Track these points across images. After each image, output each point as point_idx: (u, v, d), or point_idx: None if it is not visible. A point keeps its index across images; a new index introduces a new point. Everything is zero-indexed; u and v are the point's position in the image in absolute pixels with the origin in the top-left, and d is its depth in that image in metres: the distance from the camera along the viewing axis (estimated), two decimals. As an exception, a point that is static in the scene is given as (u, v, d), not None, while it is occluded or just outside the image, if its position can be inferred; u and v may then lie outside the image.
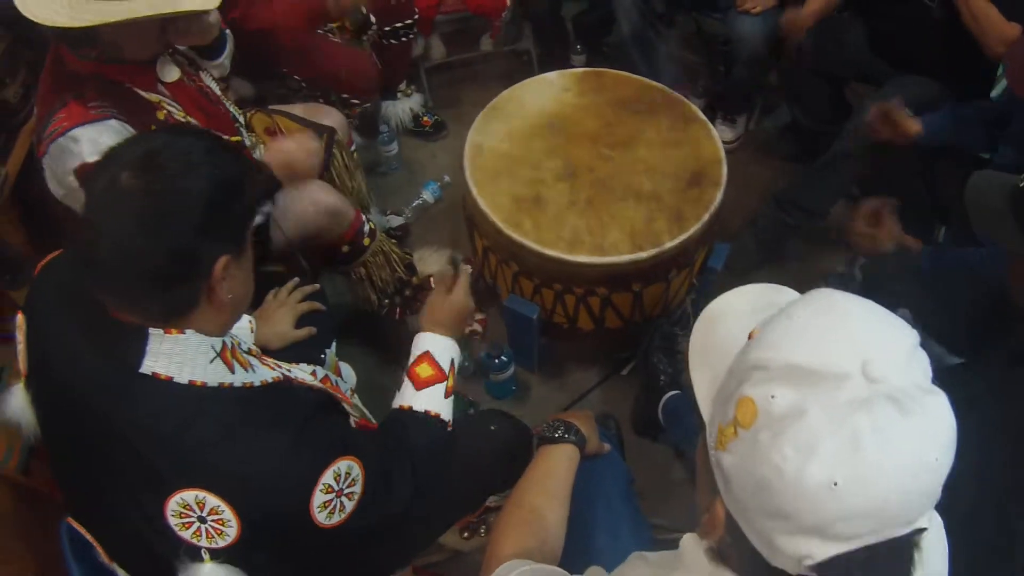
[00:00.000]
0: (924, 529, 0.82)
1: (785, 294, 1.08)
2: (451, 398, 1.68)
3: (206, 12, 1.96)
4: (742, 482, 0.84)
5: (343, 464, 1.31)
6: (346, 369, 2.25)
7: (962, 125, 2.47)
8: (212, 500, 1.19)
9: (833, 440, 0.77)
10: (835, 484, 0.76)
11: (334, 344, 2.10)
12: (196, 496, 1.19)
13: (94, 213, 1.18)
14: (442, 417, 1.64)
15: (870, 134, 2.60)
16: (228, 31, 2.33)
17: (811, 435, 0.78)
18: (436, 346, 1.70)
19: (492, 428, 1.90)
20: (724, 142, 3.49)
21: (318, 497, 1.27)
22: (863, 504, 0.77)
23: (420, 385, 1.65)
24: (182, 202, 1.17)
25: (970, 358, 1.93)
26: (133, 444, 1.20)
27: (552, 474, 1.51)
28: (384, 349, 2.80)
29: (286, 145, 2.24)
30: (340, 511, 1.33)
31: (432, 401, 1.64)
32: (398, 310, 2.69)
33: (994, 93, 2.86)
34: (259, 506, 1.23)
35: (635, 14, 3.35)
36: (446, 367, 1.68)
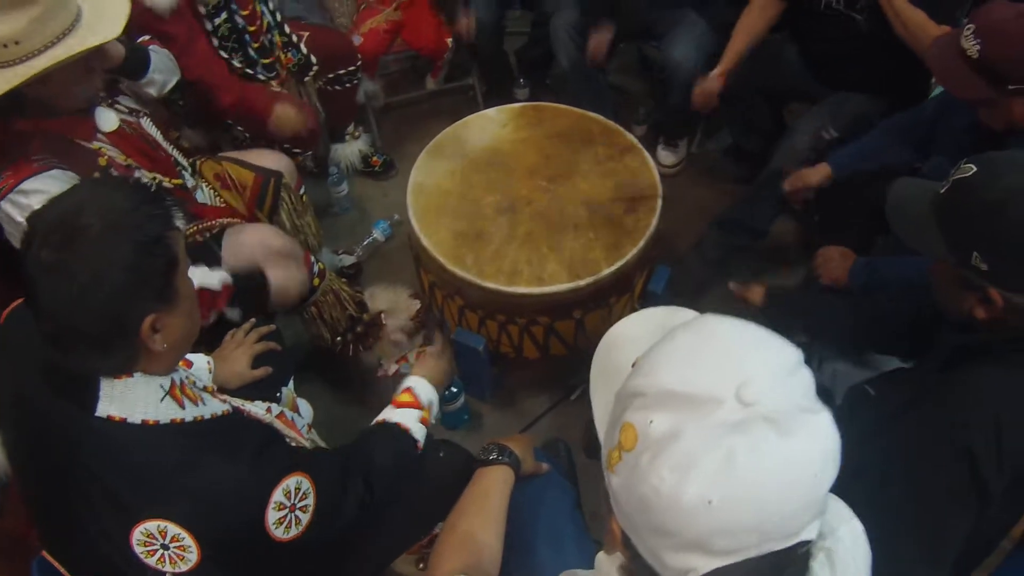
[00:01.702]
0: (809, 542, 0.86)
1: (681, 316, 1.13)
2: (424, 426, 1.80)
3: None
4: (628, 502, 0.88)
5: (292, 481, 1.40)
6: (303, 405, 2.32)
7: (879, 149, 2.57)
8: (172, 528, 1.27)
9: (708, 461, 0.80)
10: (710, 502, 0.79)
11: (291, 382, 2.18)
12: (158, 526, 1.27)
13: (30, 287, 1.24)
14: (411, 433, 1.75)
15: (790, 201, 2.77)
16: (156, 48, 2.41)
17: (686, 457, 0.81)
18: (419, 385, 1.85)
19: (440, 455, 1.97)
20: (666, 166, 3.64)
21: (272, 514, 1.36)
22: (740, 520, 0.81)
23: (398, 406, 1.80)
24: (102, 273, 1.22)
25: (914, 363, 2.00)
26: (97, 480, 1.29)
27: (487, 494, 1.60)
28: (340, 385, 2.86)
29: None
30: (296, 524, 1.41)
31: (405, 418, 1.77)
32: (351, 347, 2.75)
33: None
34: (216, 529, 1.31)
35: (572, 47, 3.42)
36: (424, 402, 1.83)
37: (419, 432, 1.77)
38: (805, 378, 0.88)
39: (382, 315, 2.81)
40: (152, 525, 1.27)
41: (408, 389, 1.85)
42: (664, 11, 3.40)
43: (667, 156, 3.72)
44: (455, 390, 2.64)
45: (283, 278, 2.40)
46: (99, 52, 2.03)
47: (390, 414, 1.78)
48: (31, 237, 1.25)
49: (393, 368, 2.85)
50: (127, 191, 1.33)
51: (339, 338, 2.72)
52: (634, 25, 3.49)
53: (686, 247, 3.28)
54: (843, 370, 2.26)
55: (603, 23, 3.33)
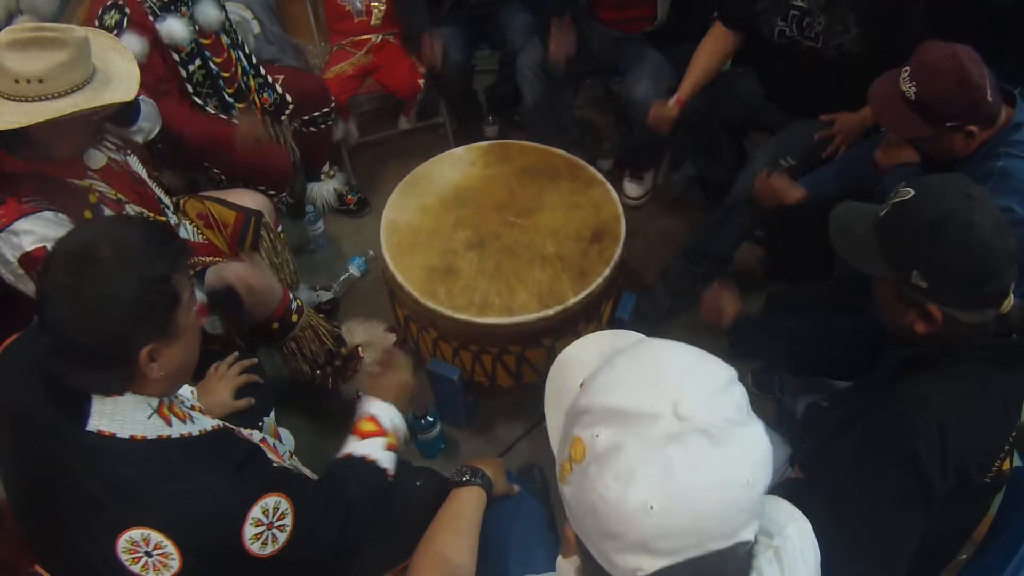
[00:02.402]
0: (749, 542, 0.94)
1: (625, 339, 1.22)
2: (391, 453, 1.84)
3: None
4: (579, 508, 0.96)
5: (271, 500, 1.47)
6: (285, 434, 2.41)
7: (849, 171, 2.67)
8: (156, 536, 1.36)
9: (648, 469, 0.87)
10: (651, 507, 0.86)
11: (272, 412, 2.27)
12: (142, 533, 1.35)
13: (41, 304, 1.37)
14: (379, 464, 1.79)
15: (757, 201, 2.81)
16: (144, 98, 2.51)
17: (629, 466, 0.88)
18: (379, 410, 1.89)
19: (418, 483, 2.04)
20: (633, 198, 3.75)
21: (249, 529, 1.43)
22: (679, 523, 0.87)
23: (362, 437, 1.83)
24: (110, 301, 1.34)
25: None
26: (86, 490, 1.37)
27: (461, 514, 1.69)
28: (319, 416, 2.94)
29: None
30: (273, 542, 1.48)
31: (371, 449, 1.80)
32: (330, 379, 2.82)
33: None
34: (195, 539, 1.39)
35: (537, 85, 3.54)
36: (387, 427, 1.86)
37: (387, 460, 1.81)
38: (736, 394, 0.97)
39: (359, 348, 2.88)
40: (136, 533, 1.35)
41: (370, 417, 1.87)
42: (626, 48, 3.51)
43: (633, 188, 3.83)
44: (431, 419, 2.73)
45: (256, 291, 2.49)
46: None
47: (355, 447, 1.81)
48: (50, 261, 1.38)
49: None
50: (142, 231, 1.45)
51: (318, 371, 2.78)
52: (597, 62, 3.61)
53: (653, 275, 3.39)
54: (805, 396, 2.37)
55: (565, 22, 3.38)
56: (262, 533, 1.45)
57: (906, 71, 2.07)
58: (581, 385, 1.03)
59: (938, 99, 2.02)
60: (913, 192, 1.58)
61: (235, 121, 3.08)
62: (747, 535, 0.93)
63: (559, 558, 1.17)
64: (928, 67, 2.03)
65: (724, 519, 0.90)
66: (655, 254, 3.54)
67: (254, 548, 1.45)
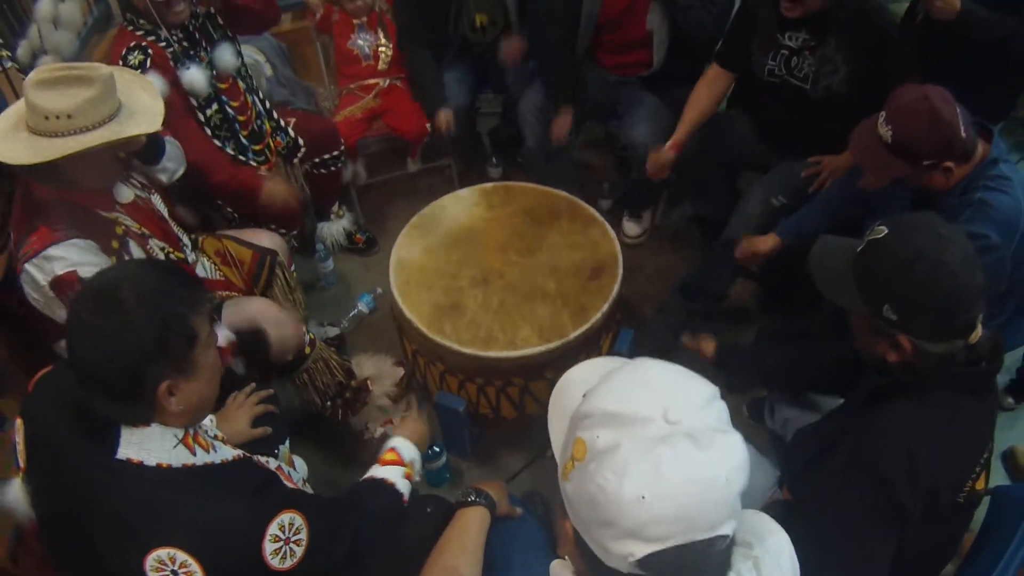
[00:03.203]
0: (728, 536, 1.07)
1: (620, 362, 1.35)
2: (408, 481, 1.97)
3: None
4: (579, 501, 1.10)
5: (286, 516, 1.58)
6: (299, 461, 2.52)
7: (823, 216, 2.78)
8: (181, 555, 1.46)
9: (641, 465, 1.01)
10: (643, 497, 1.00)
11: (287, 441, 2.39)
12: (168, 553, 1.46)
13: (69, 336, 1.50)
14: (397, 487, 1.93)
15: (743, 265, 2.97)
16: (170, 139, 2.62)
17: (624, 462, 1.02)
18: (402, 445, 2.03)
19: (428, 510, 2.15)
20: (632, 237, 3.87)
21: (268, 545, 1.54)
22: (667, 512, 1.00)
23: (383, 463, 1.97)
24: (127, 340, 1.46)
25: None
26: (116, 513, 1.48)
27: (466, 532, 1.81)
28: (330, 446, 3.04)
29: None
30: (291, 556, 1.59)
31: (390, 474, 1.94)
32: (340, 411, 2.94)
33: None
34: (218, 557, 1.50)
35: (537, 128, 3.69)
36: (407, 459, 2.01)
37: (404, 486, 1.95)
38: (720, 408, 1.11)
39: (368, 381, 3.00)
40: (163, 552, 1.46)
41: (392, 449, 2.02)
42: (623, 92, 3.66)
43: (632, 227, 3.96)
44: (437, 449, 2.84)
45: (281, 336, 2.62)
46: (129, 139, 2.22)
47: (376, 471, 1.96)
48: (77, 298, 1.51)
49: (379, 431, 3.01)
50: (163, 274, 1.57)
51: (329, 403, 2.90)
52: (597, 106, 3.76)
53: (651, 311, 3.49)
54: (793, 416, 2.47)
55: (564, 107, 3.60)
56: (281, 548, 1.56)
57: (882, 116, 2.20)
58: (584, 396, 1.17)
59: (913, 140, 2.14)
60: (887, 230, 1.70)
61: (261, 173, 3.21)
62: (726, 530, 1.06)
63: (554, 562, 1.31)
64: (902, 110, 2.16)
65: (705, 512, 1.03)
66: (653, 290, 3.66)
67: (274, 562, 1.56)
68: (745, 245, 2.93)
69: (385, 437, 2.15)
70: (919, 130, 2.13)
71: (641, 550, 1.03)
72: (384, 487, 1.92)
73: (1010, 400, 3.13)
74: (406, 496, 1.95)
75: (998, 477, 2.27)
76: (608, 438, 1.06)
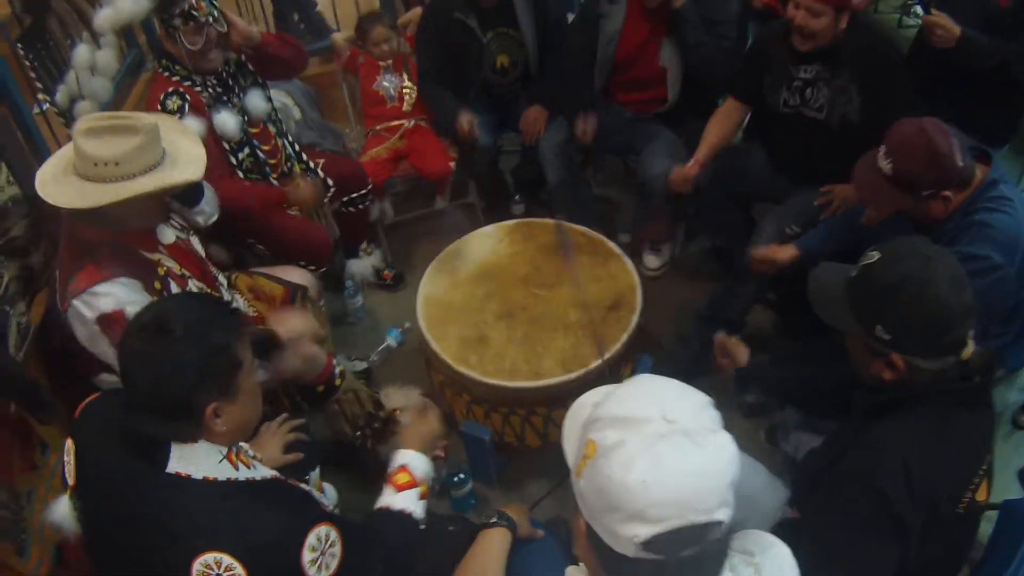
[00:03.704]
0: (722, 522, 1.18)
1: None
2: (424, 501, 2.04)
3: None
4: (590, 492, 1.22)
5: (323, 529, 1.69)
6: (328, 488, 2.62)
7: (838, 234, 2.86)
8: (226, 559, 1.56)
9: (643, 457, 1.15)
10: (645, 482, 1.13)
11: (318, 468, 2.49)
12: (215, 557, 1.56)
13: (121, 363, 1.65)
14: (414, 516, 2.00)
15: (756, 272, 3.03)
16: (207, 184, 2.70)
17: (629, 455, 1.16)
18: (412, 460, 2.09)
19: (451, 528, 2.24)
20: (652, 269, 3.96)
21: (307, 555, 1.64)
22: (666, 496, 1.14)
23: (399, 489, 2.03)
24: (175, 368, 1.59)
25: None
26: (163, 522, 1.59)
27: (489, 551, 1.92)
28: (359, 475, 3.09)
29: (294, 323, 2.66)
30: (326, 568, 1.69)
31: (407, 502, 2.01)
32: (369, 441, 2.99)
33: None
34: (261, 561, 1.60)
35: (558, 165, 3.80)
36: (419, 477, 2.07)
37: (421, 510, 2.00)
38: (713, 414, 1.25)
39: (397, 412, 3.09)
40: (210, 557, 1.56)
41: (404, 468, 2.06)
42: (640, 128, 3.78)
43: (652, 260, 4.04)
44: (463, 476, 2.93)
45: (303, 357, 2.67)
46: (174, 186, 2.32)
47: (393, 499, 1.99)
48: (129, 328, 1.66)
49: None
50: (208, 306, 1.73)
51: (358, 433, 2.96)
52: (615, 142, 3.87)
53: (671, 341, 3.57)
54: (805, 439, 2.55)
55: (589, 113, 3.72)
56: (318, 558, 1.67)
57: (882, 150, 2.30)
58: (595, 406, 1.31)
59: (912, 172, 2.24)
60: (878, 255, 1.81)
61: (292, 213, 3.34)
62: (721, 516, 1.18)
63: (569, 568, 1.43)
64: (901, 144, 2.26)
65: (700, 497, 1.15)
66: (673, 321, 3.73)
67: (311, 571, 1.66)
68: (763, 251, 2.99)
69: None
70: (918, 163, 2.23)
71: (645, 532, 1.15)
72: (402, 518, 1.98)
73: None
74: (422, 520, 2.01)
75: (1015, 494, 2.33)
76: (615, 436, 1.20)
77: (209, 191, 2.73)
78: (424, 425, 2.21)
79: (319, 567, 1.68)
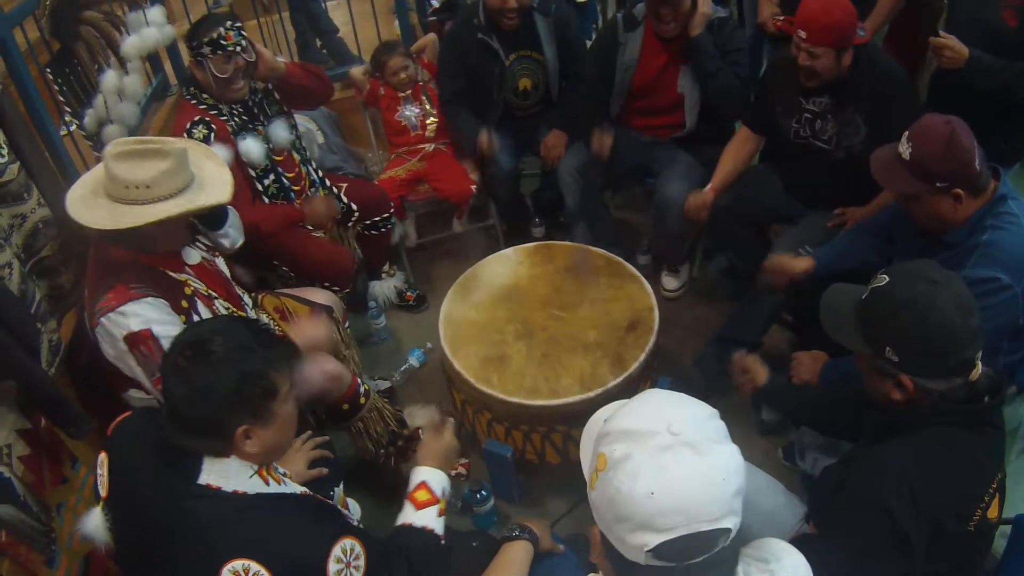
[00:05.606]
0: (729, 530, 1.24)
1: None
2: (443, 517, 2.09)
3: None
4: (601, 503, 1.29)
5: (347, 542, 1.75)
6: (352, 504, 2.67)
7: (853, 247, 2.90)
8: (255, 567, 1.61)
9: (649, 468, 1.21)
10: (652, 493, 1.20)
11: (341, 484, 2.54)
12: (243, 564, 1.61)
13: (164, 376, 1.72)
14: (436, 532, 2.05)
15: (772, 285, 3.06)
16: (232, 208, 2.77)
17: (636, 467, 1.23)
18: (430, 477, 2.13)
19: (474, 544, 2.30)
20: (670, 290, 4.01)
21: (332, 565, 1.70)
22: (672, 505, 1.20)
23: (419, 506, 2.07)
24: (210, 387, 1.66)
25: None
26: (193, 532, 1.65)
27: (512, 563, 1.98)
28: (382, 492, 3.17)
29: (310, 330, 2.73)
30: None
31: (428, 519, 2.05)
32: (392, 458, 3.09)
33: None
34: (288, 569, 1.65)
35: (576, 189, 3.87)
36: (439, 493, 2.11)
37: (440, 526, 2.05)
38: (717, 425, 1.31)
39: (419, 430, 3.15)
40: (239, 564, 1.61)
41: (423, 485, 2.10)
42: (657, 151, 3.85)
43: (670, 281, 4.10)
44: (484, 493, 2.99)
45: (325, 372, 2.76)
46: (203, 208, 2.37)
47: (414, 517, 2.04)
48: (176, 343, 1.74)
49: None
50: (252, 332, 1.78)
51: (382, 451, 3.06)
52: (632, 165, 3.94)
53: (689, 361, 3.62)
54: (822, 458, 2.59)
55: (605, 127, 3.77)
56: (342, 570, 1.72)
57: (904, 136, 2.34)
58: (604, 422, 1.38)
59: (929, 158, 2.27)
60: (888, 279, 1.86)
61: (311, 228, 3.42)
62: (727, 524, 1.24)
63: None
64: (923, 130, 2.29)
65: (705, 506, 1.21)
66: (691, 341, 3.79)
67: None
68: (778, 261, 3.00)
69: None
70: (936, 150, 2.25)
71: (654, 540, 1.22)
72: (424, 534, 2.02)
73: None
74: (443, 535, 2.06)
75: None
76: (622, 450, 1.26)
77: (234, 215, 2.80)
78: (440, 440, 2.24)
79: None
